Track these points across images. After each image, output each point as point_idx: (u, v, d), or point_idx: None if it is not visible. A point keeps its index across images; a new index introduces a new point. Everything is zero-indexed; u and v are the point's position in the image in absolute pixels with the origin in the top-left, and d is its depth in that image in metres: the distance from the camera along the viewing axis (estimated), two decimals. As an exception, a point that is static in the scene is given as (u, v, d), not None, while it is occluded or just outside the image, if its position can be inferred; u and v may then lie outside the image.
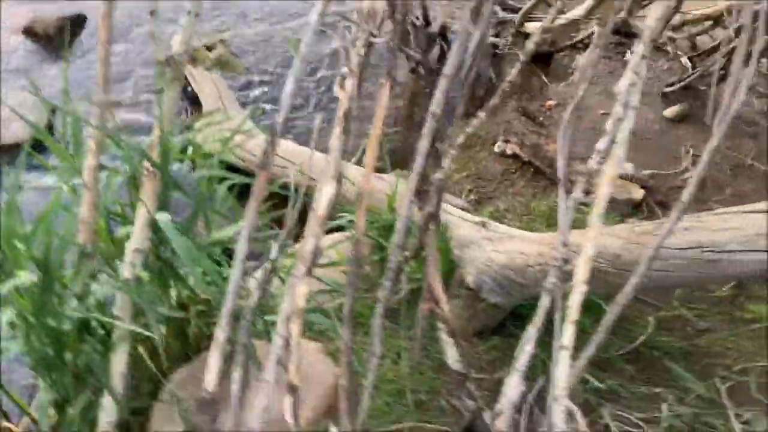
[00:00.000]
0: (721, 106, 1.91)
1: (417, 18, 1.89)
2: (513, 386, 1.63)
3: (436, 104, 1.93)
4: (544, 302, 1.65)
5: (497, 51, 4.11)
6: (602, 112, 3.58)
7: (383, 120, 1.76)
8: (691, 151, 3.26)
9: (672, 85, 3.59)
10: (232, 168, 2.53)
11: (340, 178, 1.96)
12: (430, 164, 1.97)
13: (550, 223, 2.86)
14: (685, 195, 1.74)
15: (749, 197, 2.96)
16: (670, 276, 2.11)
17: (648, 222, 2.19)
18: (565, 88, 3.84)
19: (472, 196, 3.09)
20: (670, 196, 3.07)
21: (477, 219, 2.60)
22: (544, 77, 3.92)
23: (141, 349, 1.79)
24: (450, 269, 2.48)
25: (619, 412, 2.21)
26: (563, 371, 1.56)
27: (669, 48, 3.93)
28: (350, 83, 1.95)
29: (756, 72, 3.17)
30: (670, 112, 3.48)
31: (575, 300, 1.62)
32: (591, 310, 2.30)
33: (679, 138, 3.36)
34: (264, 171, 1.64)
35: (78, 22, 4.20)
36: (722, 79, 3.37)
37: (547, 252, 2.26)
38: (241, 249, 1.58)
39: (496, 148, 3.38)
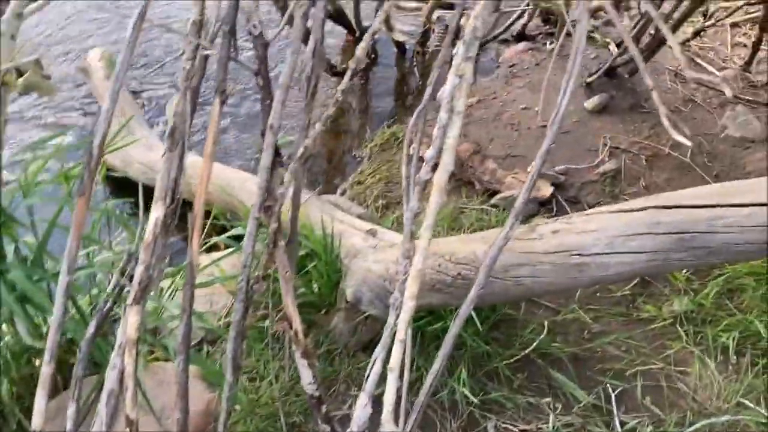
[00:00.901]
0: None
1: (254, 26, 1.80)
2: (361, 407, 1.55)
3: (273, 116, 1.84)
4: (390, 320, 1.57)
5: (425, 50, 4.03)
6: (523, 106, 3.48)
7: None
8: (609, 144, 3.15)
9: (593, 74, 3.48)
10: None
11: (170, 199, 1.87)
12: (275, 178, 1.88)
13: (454, 227, 2.78)
14: (518, 202, 1.64)
15: (662, 188, 2.86)
16: (540, 281, 2.01)
17: (523, 226, 2.09)
18: (490, 83, 3.74)
19: (380, 201, 3.00)
20: (582, 192, 2.97)
21: (366, 227, 2.51)
22: (469, 73, 3.81)
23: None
24: (337, 282, 2.40)
25: (504, 425, 2.13)
26: (390, 395, 1.48)
27: (596, 35, 3.82)
28: (176, 99, 1.87)
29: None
30: (590, 103, 3.37)
31: (402, 318, 1.53)
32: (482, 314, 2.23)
33: (598, 130, 3.25)
34: (82, 197, 1.57)
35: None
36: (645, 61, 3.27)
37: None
38: (62, 281, 1.51)
39: (411, 150, 3.27)
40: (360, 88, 3.88)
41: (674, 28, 3.08)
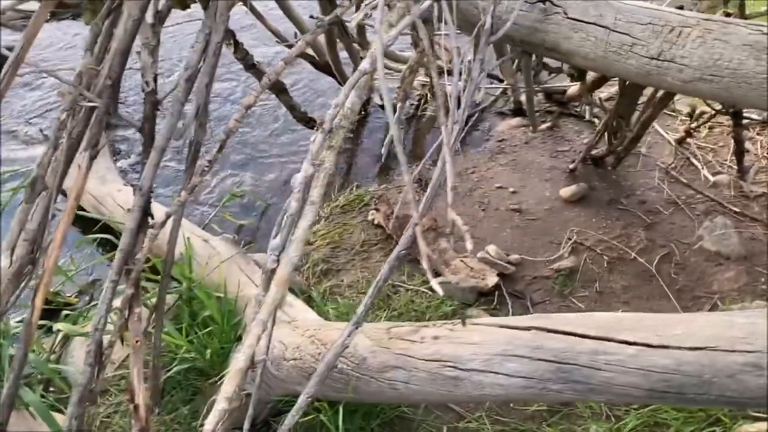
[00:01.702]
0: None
1: (147, 83, 1.74)
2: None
3: (145, 177, 1.77)
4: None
5: (419, 113, 3.94)
6: (498, 185, 3.33)
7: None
8: (574, 238, 2.96)
9: (573, 161, 3.30)
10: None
11: (25, 250, 1.82)
12: (140, 240, 1.80)
13: (383, 306, 2.64)
14: (360, 311, 1.52)
15: (617, 295, 2.66)
16: (415, 389, 1.86)
17: (407, 324, 1.94)
18: (475, 156, 3.60)
19: (320, 266, 2.89)
20: (531, 288, 2.78)
21: (278, 296, 2.40)
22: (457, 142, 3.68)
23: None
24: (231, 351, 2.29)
25: None
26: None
27: (595, 119, 3.65)
28: (43, 150, 1.82)
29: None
30: (566, 191, 3.19)
31: (211, 420, 1.41)
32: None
33: (568, 221, 3.06)
34: None
35: None
36: (621, 156, 3.09)
37: (305, 346, 2.05)
38: None
39: (369, 216, 3.17)
40: (345, 141, 3.81)
41: (643, 127, 2.89)
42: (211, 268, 2.52)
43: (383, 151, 3.14)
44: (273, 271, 1.48)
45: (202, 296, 2.25)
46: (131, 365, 1.72)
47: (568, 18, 1.74)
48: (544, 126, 3.67)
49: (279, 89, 3.17)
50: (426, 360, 1.82)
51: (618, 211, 3.11)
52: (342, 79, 3.65)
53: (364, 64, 1.50)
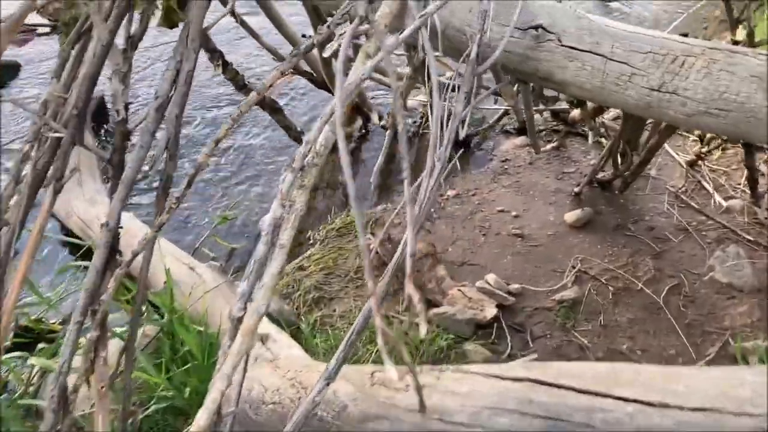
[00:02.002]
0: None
1: (118, 111, 1.65)
2: None
3: (111, 213, 1.67)
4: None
5: (421, 131, 3.82)
6: (500, 209, 3.20)
7: None
8: (578, 266, 2.83)
9: (579, 185, 3.17)
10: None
11: None
12: (107, 279, 1.70)
13: (373, 340, 2.51)
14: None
15: (623, 329, 2.52)
16: (400, 442, 1.73)
17: (398, 368, 1.81)
18: (477, 177, 3.48)
19: (312, 294, 2.78)
20: (531, 320, 2.65)
21: (264, 330, 2.29)
22: (458, 162, 3.57)
23: None
24: (213, 387, 2.17)
25: None
26: None
27: (602, 140, 3.51)
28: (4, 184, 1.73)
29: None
30: (571, 216, 3.05)
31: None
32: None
33: (572, 248, 2.93)
34: None
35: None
36: (628, 181, 2.95)
37: (285, 389, 1.94)
38: None
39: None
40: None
41: (650, 152, 2.75)
42: (195, 298, 2.42)
43: (372, 180, 3.05)
44: (239, 320, 1.36)
45: (179, 331, 2.14)
46: (96, 413, 1.62)
47: (562, 46, 1.62)
48: (549, 146, 3.54)
49: (272, 109, 3.07)
50: (411, 410, 1.70)
51: (625, 238, 2.97)
52: (340, 98, 3.54)
53: (335, 102, 1.39)
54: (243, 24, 2.64)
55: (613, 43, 1.60)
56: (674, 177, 3.30)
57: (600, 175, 3.15)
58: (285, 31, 3.04)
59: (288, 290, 2.81)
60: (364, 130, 3.82)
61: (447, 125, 1.56)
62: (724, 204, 3.06)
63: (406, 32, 1.44)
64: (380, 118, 3.62)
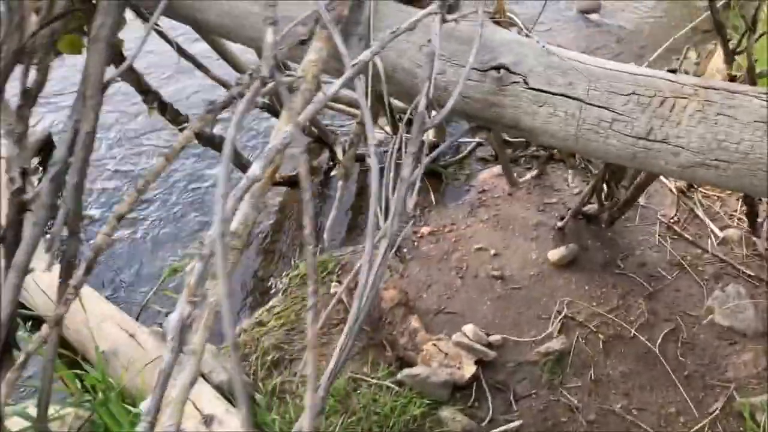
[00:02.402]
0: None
1: (12, 179, 1.41)
2: None
3: (4, 307, 1.41)
4: None
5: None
6: (478, 246, 2.94)
7: None
8: (565, 311, 2.57)
9: (563, 218, 2.92)
10: None
11: None
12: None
13: (339, 409, 2.25)
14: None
15: (615, 384, 2.26)
16: None
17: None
18: (453, 211, 3.22)
19: (271, 355, 2.51)
20: (515, 377, 2.39)
21: (210, 408, 2.03)
22: (432, 195, 3.32)
23: None
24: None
25: None
26: None
27: (587, 166, 3.26)
28: None
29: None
30: (555, 254, 2.80)
31: None
32: None
33: (557, 290, 2.68)
34: None
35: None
36: (614, 216, 2.70)
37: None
38: None
39: (331, 288, 2.79)
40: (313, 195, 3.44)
41: (638, 190, 2.51)
42: (135, 371, 2.15)
43: (325, 236, 2.78)
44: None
45: (105, 418, 1.87)
46: None
47: (529, 89, 1.37)
48: (528, 175, 3.29)
49: (213, 144, 2.79)
50: None
51: (614, 277, 2.72)
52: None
53: (254, 170, 1.12)
54: (183, 54, 2.37)
55: (589, 84, 1.35)
56: (665, 205, 3.06)
57: (585, 208, 2.89)
58: (231, 59, 2.78)
59: (246, 350, 2.54)
60: (331, 163, 3.55)
61: (393, 194, 1.31)
62: (720, 234, 2.82)
63: (337, 84, 1.18)
64: (343, 151, 3.36)
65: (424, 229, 3.10)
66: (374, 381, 2.36)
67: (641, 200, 3.06)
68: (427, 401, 2.26)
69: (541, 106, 1.37)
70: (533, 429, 2.22)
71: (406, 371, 2.34)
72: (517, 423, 2.21)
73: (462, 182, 3.44)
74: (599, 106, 1.34)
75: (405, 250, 3.00)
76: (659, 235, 2.90)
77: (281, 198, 3.41)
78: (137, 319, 2.69)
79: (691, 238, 2.83)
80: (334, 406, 2.24)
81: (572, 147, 1.41)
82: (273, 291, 2.89)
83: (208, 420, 1.96)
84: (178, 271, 2.79)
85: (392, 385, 2.33)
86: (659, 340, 2.44)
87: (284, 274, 2.95)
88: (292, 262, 3.01)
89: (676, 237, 2.88)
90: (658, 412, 2.24)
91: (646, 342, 2.44)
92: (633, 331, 2.48)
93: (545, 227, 3.02)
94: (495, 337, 2.50)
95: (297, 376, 2.42)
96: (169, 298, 2.84)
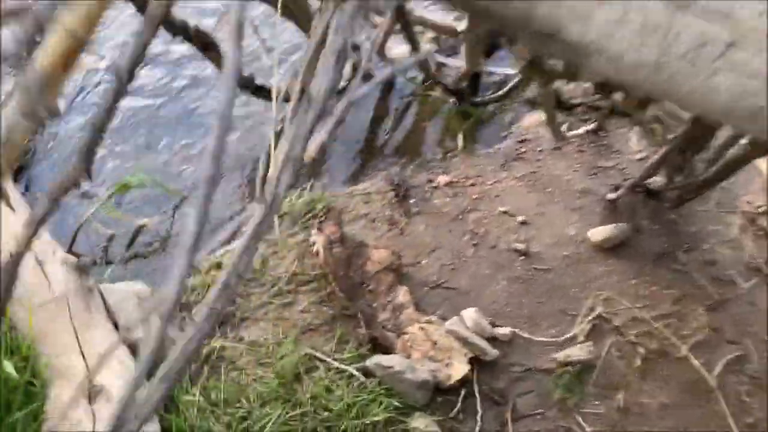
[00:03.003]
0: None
1: None
2: None
3: None
4: None
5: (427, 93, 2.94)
6: (504, 209, 2.35)
7: None
8: (599, 309, 1.98)
9: (618, 188, 2.29)
10: None
11: None
12: None
13: (287, 397, 1.74)
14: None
15: (645, 420, 1.70)
16: None
17: None
18: (482, 160, 2.61)
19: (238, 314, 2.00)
20: (518, 386, 1.84)
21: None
22: (460, 137, 2.71)
23: None
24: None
25: None
26: None
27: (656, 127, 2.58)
28: None
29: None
30: (598, 233, 2.19)
31: None
32: None
33: (594, 279, 2.09)
34: None
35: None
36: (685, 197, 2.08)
37: None
38: None
39: (311, 236, 2.25)
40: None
41: (728, 169, 1.85)
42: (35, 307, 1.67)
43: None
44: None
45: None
46: None
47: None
48: (582, 129, 2.64)
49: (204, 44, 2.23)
50: None
51: (671, 274, 2.11)
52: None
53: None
54: None
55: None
56: (751, 189, 2.38)
57: (648, 180, 2.25)
58: None
59: (193, 296, 2.04)
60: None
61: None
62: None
63: None
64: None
65: (442, 179, 2.51)
66: (335, 364, 1.84)
67: (722, 179, 2.40)
68: (397, 403, 1.73)
69: (600, 3, 0.76)
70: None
71: (378, 359, 1.81)
72: (508, 455, 1.68)
73: (500, 126, 2.80)
74: (708, 19, 0.72)
75: (413, 200, 2.43)
76: (738, 228, 2.24)
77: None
78: (73, 241, 2.22)
79: (778, 238, 2.18)
80: (275, 390, 1.74)
81: (649, 84, 0.79)
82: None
83: (93, 392, 1.47)
84: (129, 187, 2.27)
85: (356, 373, 1.81)
86: (719, 369, 1.84)
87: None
88: (276, 196, 2.46)
89: (760, 233, 2.22)
90: (702, 467, 1.67)
91: (701, 368, 1.85)
92: (685, 349, 1.89)
93: (593, 196, 2.39)
94: (502, 330, 1.94)
95: (242, 341, 1.92)
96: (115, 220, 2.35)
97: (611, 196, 2.32)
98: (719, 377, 1.83)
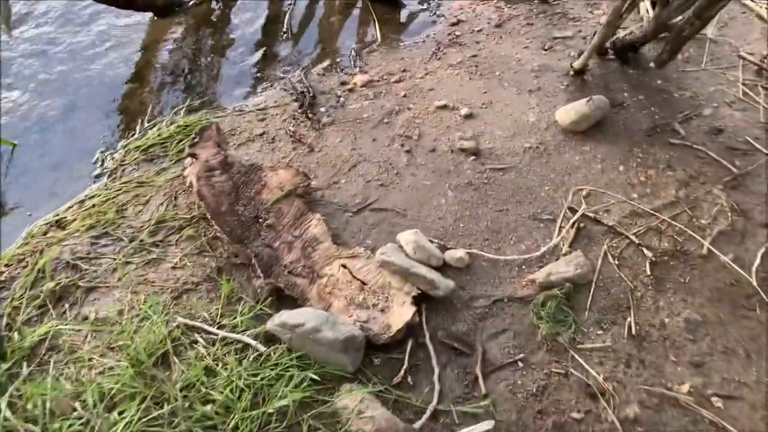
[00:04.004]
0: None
1: None
2: None
3: None
4: None
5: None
6: (441, 103, 1.80)
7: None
8: (582, 208, 1.44)
9: (581, 53, 1.75)
10: None
11: None
12: None
13: (136, 389, 1.15)
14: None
15: (676, 351, 1.16)
16: None
17: None
18: (411, 49, 2.03)
19: (59, 278, 1.39)
20: (487, 324, 1.28)
21: None
22: (377, 27, 2.12)
23: None
24: None
25: None
26: None
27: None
28: None
29: None
30: (566, 113, 1.65)
31: None
32: None
33: (569, 173, 1.55)
34: None
35: None
36: (670, 48, 1.55)
37: None
38: None
39: (185, 166, 1.64)
40: (204, 20, 2.23)
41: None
42: None
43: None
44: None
45: None
46: None
47: None
48: (530, -5, 2.07)
49: None
50: None
51: (671, 151, 1.58)
52: None
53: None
54: None
55: None
56: (750, 38, 1.87)
57: (620, 35, 1.71)
58: None
59: (16, 271, 1.43)
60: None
61: None
62: None
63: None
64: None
65: (358, 78, 1.93)
66: (221, 334, 1.25)
67: (709, 31, 1.88)
68: (314, 375, 1.16)
69: None
70: (516, 433, 1.14)
71: (283, 316, 1.23)
72: (487, 425, 1.12)
73: (428, 10, 2.22)
74: None
75: (323, 109, 1.84)
76: (743, 84, 1.73)
77: (143, 34, 2.21)
78: None
79: (801, 87, 1.66)
80: (128, 384, 1.14)
81: None
82: (99, 170, 1.74)
83: None
84: None
85: (253, 342, 1.23)
86: (757, 261, 1.32)
87: (121, 144, 1.80)
88: (139, 127, 1.84)
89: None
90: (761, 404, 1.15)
91: (731, 264, 1.32)
92: (706, 244, 1.36)
93: (553, 74, 1.84)
94: (456, 253, 1.38)
95: (86, 321, 1.31)
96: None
97: (576, 64, 1.77)
98: (759, 274, 1.32)
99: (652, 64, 1.75)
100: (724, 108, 1.68)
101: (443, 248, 1.41)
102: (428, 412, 1.15)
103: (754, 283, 1.29)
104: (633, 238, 1.39)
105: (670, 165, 1.54)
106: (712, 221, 1.41)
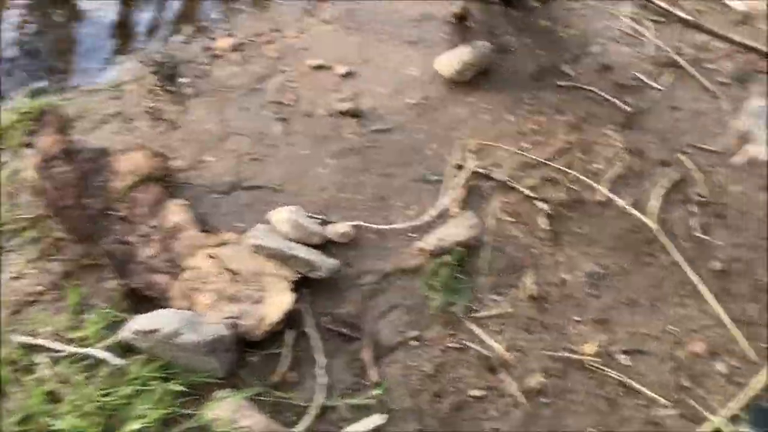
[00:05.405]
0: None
1: None
2: None
3: None
4: None
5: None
6: (317, 63, 1.63)
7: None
8: (472, 164, 1.32)
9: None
10: None
11: None
12: None
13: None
14: None
15: (581, 308, 1.06)
16: None
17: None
18: (280, 7, 1.85)
19: None
20: (376, 302, 1.15)
21: None
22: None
23: None
24: None
25: None
26: None
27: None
28: None
29: None
30: (446, 63, 1.52)
31: None
32: None
33: (455, 127, 1.43)
34: None
35: None
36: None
37: None
38: None
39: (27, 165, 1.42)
40: None
41: None
42: None
43: None
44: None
45: None
46: None
47: None
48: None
49: None
50: None
51: (560, 94, 1.48)
52: None
53: None
54: None
55: None
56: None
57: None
58: None
59: None
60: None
61: None
62: (740, 7, 1.59)
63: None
64: None
65: (224, 42, 1.75)
66: (68, 349, 1.07)
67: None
68: (178, 387, 1.00)
69: None
70: (415, 424, 1.02)
71: (136, 323, 1.06)
72: (378, 419, 1.00)
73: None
74: None
75: (185, 80, 1.64)
76: (630, 18, 1.64)
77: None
78: None
79: (688, 17, 1.58)
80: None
81: None
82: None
83: None
84: None
85: (105, 355, 1.05)
86: (654, 203, 1.25)
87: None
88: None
89: (661, 18, 1.63)
90: (673, 356, 1.08)
91: (631, 209, 1.24)
92: (605, 191, 1.27)
93: (435, 23, 1.70)
94: (340, 227, 1.24)
95: None
96: None
97: (455, 8, 1.65)
98: (659, 216, 1.24)
99: (536, 3, 1.64)
100: (612, 44, 1.60)
101: (325, 223, 1.27)
102: (312, 411, 1.02)
103: (653, 226, 1.21)
104: (526, 191, 1.28)
105: (560, 109, 1.44)
106: (607, 165, 1.32)
